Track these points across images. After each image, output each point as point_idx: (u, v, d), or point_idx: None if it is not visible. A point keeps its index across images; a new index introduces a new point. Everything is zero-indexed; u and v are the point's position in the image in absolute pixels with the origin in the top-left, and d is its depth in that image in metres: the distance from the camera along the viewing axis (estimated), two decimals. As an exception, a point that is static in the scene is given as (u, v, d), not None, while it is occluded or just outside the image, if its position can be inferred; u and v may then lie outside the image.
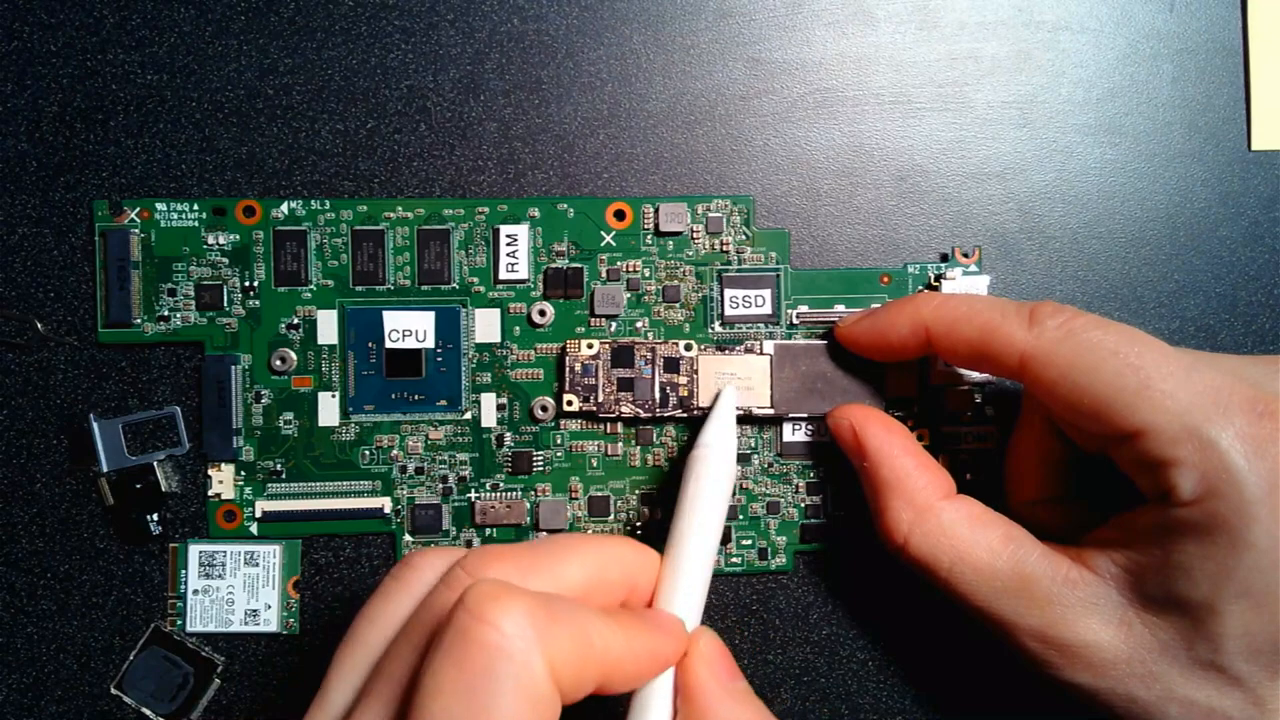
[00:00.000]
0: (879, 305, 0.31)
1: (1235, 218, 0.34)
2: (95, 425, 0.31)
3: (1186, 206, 0.34)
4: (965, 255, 0.33)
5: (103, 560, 0.32)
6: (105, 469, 0.31)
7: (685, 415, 0.31)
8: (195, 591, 0.32)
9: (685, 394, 0.31)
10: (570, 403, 0.31)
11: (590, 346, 0.31)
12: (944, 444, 0.32)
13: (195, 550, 0.32)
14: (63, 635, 0.32)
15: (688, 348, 0.31)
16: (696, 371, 0.31)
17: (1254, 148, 0.34)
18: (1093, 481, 0.29)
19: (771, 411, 0.31)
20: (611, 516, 0.32)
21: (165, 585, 0.32)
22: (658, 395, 0.31)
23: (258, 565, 0.32)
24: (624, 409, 0.31)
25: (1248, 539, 0.23)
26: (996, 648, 0.28)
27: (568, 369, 0.31)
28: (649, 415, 0.31)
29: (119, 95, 0.32)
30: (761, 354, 0.31)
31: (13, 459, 0.32)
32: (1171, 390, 0.24)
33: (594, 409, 0.31)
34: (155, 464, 0.32)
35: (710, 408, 0.30)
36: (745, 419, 0.32)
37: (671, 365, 0.31)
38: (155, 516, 0.32)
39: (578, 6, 0.33)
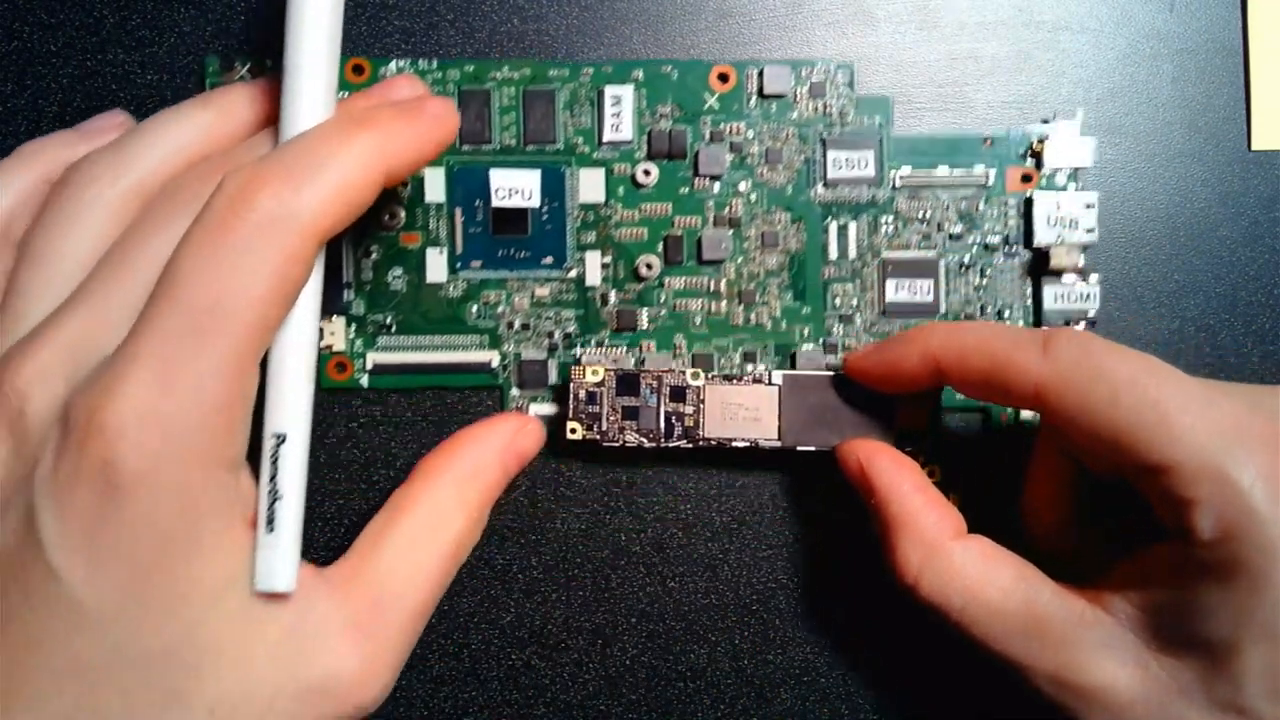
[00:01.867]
0: (889, 337, 0.31)
1: (1235, 218, 0.33)
2: None
3: (1186, 206, 0.33)
4: (1068, 119, 0.33)
5: None
6: None
7: (690, 446, 0.31)
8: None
9: (691, 424, 0.31)
10: (574, 430, 0.31)
11: (595, 374, 0.31)
12: (955, 478, 0.32)
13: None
14: None
15: (694, 376, 0.31)
16: (703, 401, 0.31)
17: (1254, 148, 0.33)
18: (1112, 510, 0.28)
19: (779, 444, 0.31)
20: (715, 373, 0.33)
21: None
22: (663, 425, 0.31)
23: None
24: (628, 438, 0.31)
25: (1271, 580, 0.23)
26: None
27: (572, 396, 0.31)
28: (653, 445, 0.31)
29: (119, 95, 0.33)
30: (770, 385, 0.31)
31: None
32: (1191, 424, 0.23)
33: (597, 437, 0.31)
34: None
35: None
36: (753, 451, 0.32)
37: (678, 394, 0.31)
38: None
39: (578, 6, 0.33)
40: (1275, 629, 0.23)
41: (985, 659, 0.27)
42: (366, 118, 0.25)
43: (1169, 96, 0.34)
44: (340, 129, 0.24)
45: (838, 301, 0.33)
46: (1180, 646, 0.24)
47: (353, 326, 0.32)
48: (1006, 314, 0.33)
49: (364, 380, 0.32)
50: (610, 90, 0.32)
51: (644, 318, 0.33)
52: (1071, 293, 0.33)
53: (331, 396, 0.33)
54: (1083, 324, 0.33)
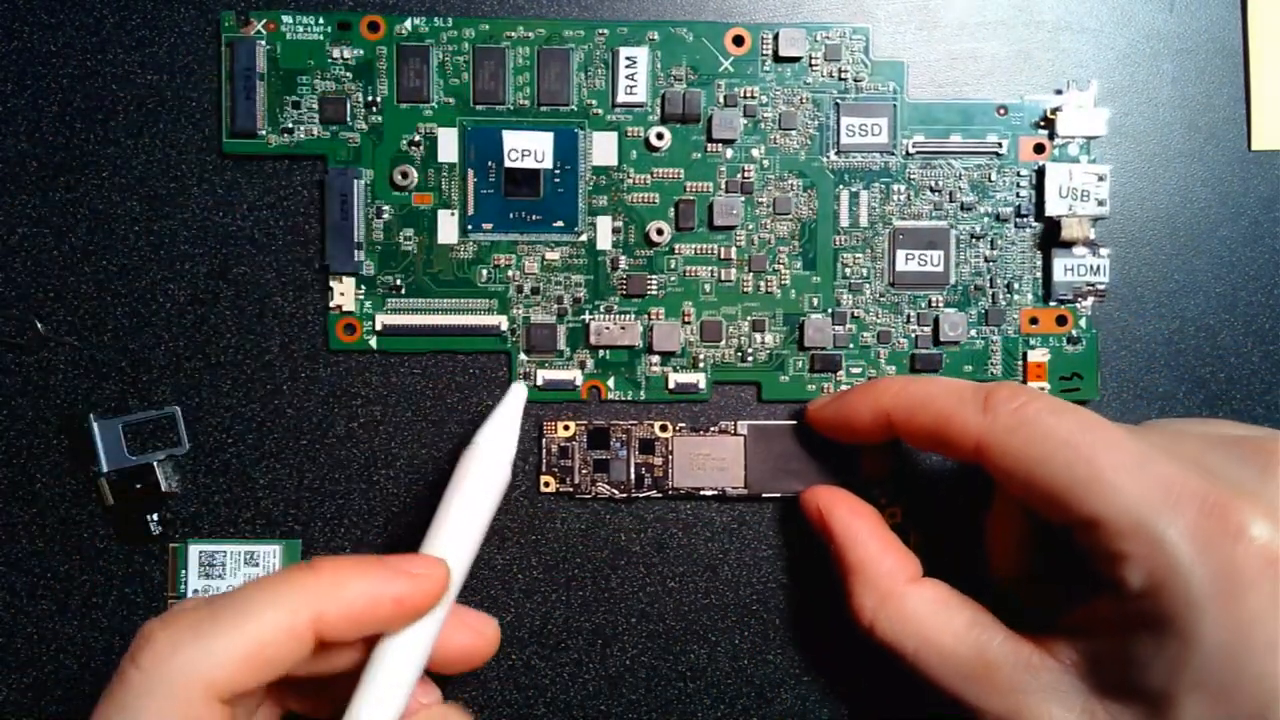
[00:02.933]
0: (845, 390, 0.31)
1: (1235, 218, 0.34)
2: (95, 425, 0.32)
3: (1186, 206, 0.33)
4: (1081, 89, 0.33)
5: (103, 560, 0.32)
6: (105, 469, 0.32)
7: (660, 495, 0.32)
8: (195, 591, 0.32)
9: (660, 474, 0.32)
10: (547, 484, 0.32)
11: (567, 428, 0.32)
12: (918, 518, 0.32)
13: (195, 550, 0.32)
14: (63, 635, 0.32)
15: (663, 428, 0.32)
16: (671, 452, 0.32)
17: (1254, 148, 0.34)
18: (1069, 558, 0.29)
19: (745, 491, 0.32)
20: (723, 342, 0.33)
21: (165, 585, 0.32)
22: (633, 476, 0.32)
23: (258, 565, 0.32)
24: (599, 489, 0.32)
25: (1197, 634, 0.23)
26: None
27: (545, 450, 0.32)
28: (624, 496, 0.32)
29: (119, 95, 0.32)
30: (736, 434, 0.32)
31: (13, 459, 0.32)
32: (1122, 484, 0.24)
33: (570, 489, 0.32)
34: (155, 464, 0.32)
35: (499, 406, 0.30)
36: (720, 498, 0.33)
37: (647, 446, 0.32)
38: (155, 516, 0.32)
39: (578, 6, 0.33)
40: (1207, 681, 0.24)
41: (940, 699, 0.28)
42: (315, 563, 0.25)
43: (1169, 96, 0.34)
44: (276, 575, 0.25)
45: (848, 271, 0.33)
46: (1122, 694, 0.25)
47: (363, 288, 0.32)
48: (1016, 286, 0.33)
49: (373, 342, 0.32)
50: (625, 51, 0.32)
51: (654, 284, 0.33)
52: (1082, 265, 0.33)
53: (339, 358, 0.33)
54: (1090, 299, 0.33)
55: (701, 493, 0.32)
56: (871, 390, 0.29)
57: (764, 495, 0.32)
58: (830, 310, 0.33)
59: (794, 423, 0.32)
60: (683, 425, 0.32)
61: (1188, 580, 0.23)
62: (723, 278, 0.33)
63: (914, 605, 0.28)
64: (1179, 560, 0.23)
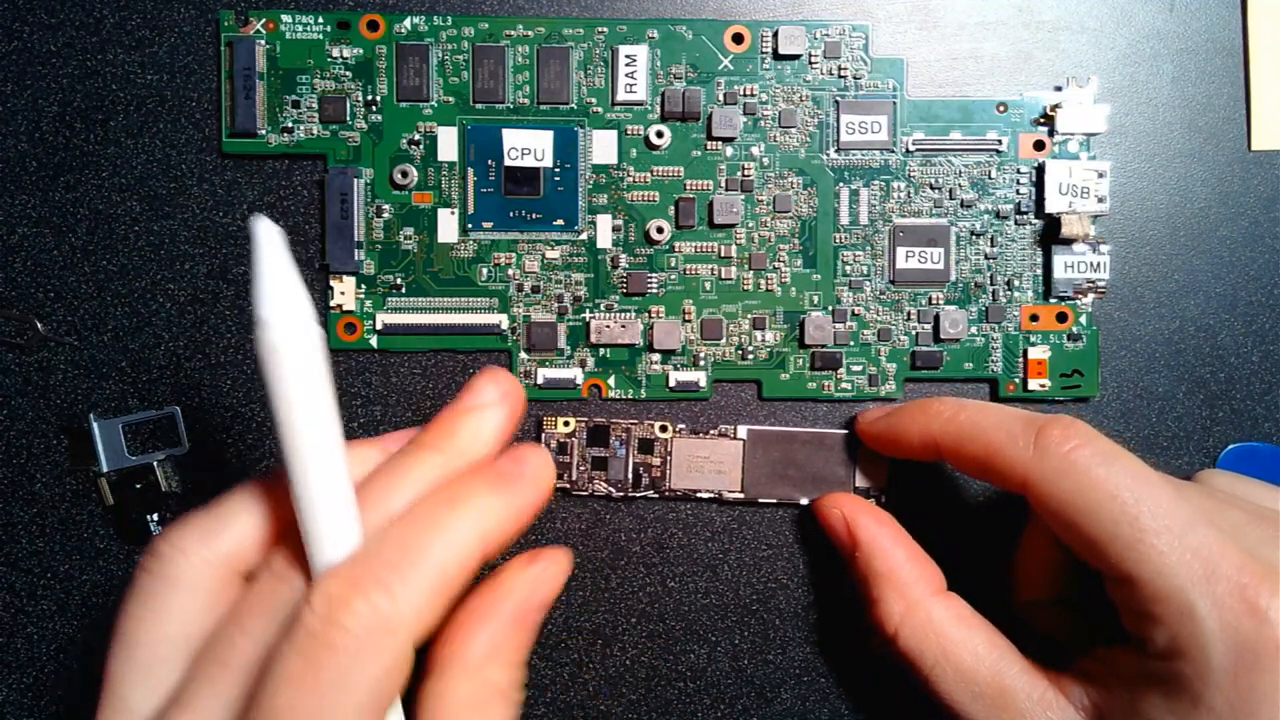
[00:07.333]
0: (899, 407, 0.31)
1: (1235, 218, 0.34)
2: (95, 425, 0.32)
3: (1186, 206, 0.34)
4: (1080, 85, 0.33)
5: (103, 560, 0.32)
6: (105, 469, 0.32)
7: (657, 495, 0.32)
8: (195, 592, 0.32)
9: (658, 475, 0.32)
10: None
11: (567, 424, 0.32)
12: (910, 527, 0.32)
13: (195, 550, 0.32)
14: (63, 635, 0.32)
15: (663, 429, 0.32)
16: (670, 453, 0.32)
17: (1254, 148, 0.34)
18: (1096, 591, 0.29)
19: (742, 496, 0.32)
20: (724, 340, 0.33)
21: (166, 585, 0.32)
22: (630, 476, 0.32)
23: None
24: (597, 488, 0.32)
25: (1207, 702, 0.24)
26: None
27: (543, 444, 0.32)
28: (621, 495, 0.32)
29: (119, 95, 0.32)
30: (735, 439, 0.32)
31: (13, 459, 0.32)
32: (1164, 548, 0.24)
33: (567, 486, 0.32)
34: (155, 464, 0.32)
35: (253, 262, 0.22)
36: (716, 502, 0.33)
37: (646, 446, 0.32)
38: (155, 516, 0.32)
39: (577, 5, 0.33)
40: None
41: (943, 715, 0.28)
42: (458, 496, 0.23)
43: (1169, 96, 0.34)
44: (432, 515, 0.22)
45: (848, 268, 0.33)
46: None
47: (363, 287, 0.32)
48: (1016, 283, 0.33)
49: (373, 341, 0.32)
50: (624, 50, 0.32)
51: (654, 282, 0.33)
52: (1082, 262, 0.33)
53: (339, 358, 0.33)
54: (1091, 296, 0.33)
55: (698, 495, 0.32)
56: (923, 413, 0.29)
57: (760, 501, 0.32)
58: (830, 308, 0.33)
59: (793, 429, 0.32)
60: (682, 426, 0.32)
61: (1209, 653, 0.24)
62: (723, 276, 0.33)
63: (939, 618, 0.28)
64: (1205, 632, 0.24)
